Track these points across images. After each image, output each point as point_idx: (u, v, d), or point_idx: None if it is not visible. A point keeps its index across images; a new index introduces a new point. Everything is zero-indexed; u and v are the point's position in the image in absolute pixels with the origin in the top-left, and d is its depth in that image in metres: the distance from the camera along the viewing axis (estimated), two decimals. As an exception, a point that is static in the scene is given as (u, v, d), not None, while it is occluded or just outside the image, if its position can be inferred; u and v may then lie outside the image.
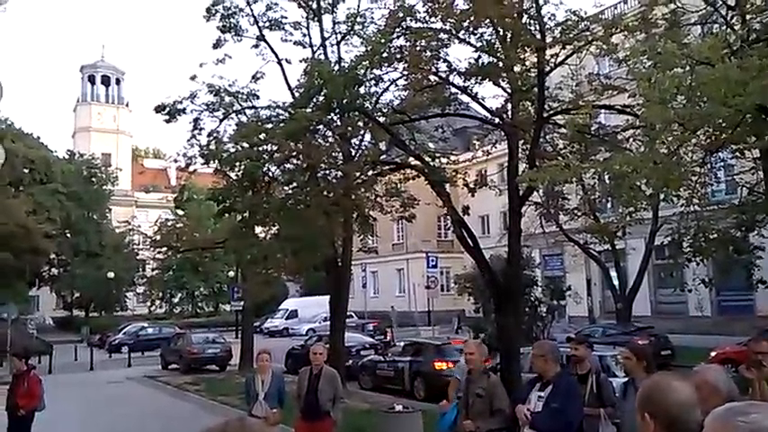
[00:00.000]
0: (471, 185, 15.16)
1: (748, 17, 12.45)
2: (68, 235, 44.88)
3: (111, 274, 42.35)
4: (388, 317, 38.93)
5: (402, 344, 17.61)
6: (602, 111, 14.20)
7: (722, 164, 16.06)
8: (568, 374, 5.67)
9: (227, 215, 16.49)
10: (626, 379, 5.70)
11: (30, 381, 8.43)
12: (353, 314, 34.43)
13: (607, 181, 13.26)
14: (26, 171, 40.50)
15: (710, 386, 3.64)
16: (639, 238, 22.56)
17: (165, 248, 29.02)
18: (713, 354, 15.21)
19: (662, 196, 11.64)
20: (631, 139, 12.17)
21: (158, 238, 30.45)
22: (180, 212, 42.46)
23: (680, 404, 1.95)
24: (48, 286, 47.73)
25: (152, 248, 29.61)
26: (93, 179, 48.32)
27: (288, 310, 41.94)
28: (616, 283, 24.02)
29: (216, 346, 23.01)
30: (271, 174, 15.92)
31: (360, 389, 16.26)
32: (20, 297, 35.16)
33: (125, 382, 19.71)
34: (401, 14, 12.50)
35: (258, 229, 16.65)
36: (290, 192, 15.17)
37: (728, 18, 12.93)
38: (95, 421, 12.93)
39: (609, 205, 20.01)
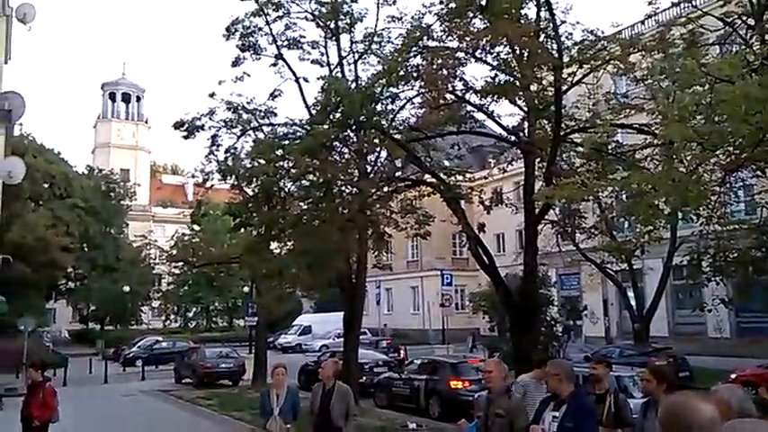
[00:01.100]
0: (487, 203, 15.16)
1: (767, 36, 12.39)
2: (86, 249, 45.35)
3: (126, 288, 42.67)
4: (400, 334, 38.79)
5: (418, 362, 17.44)
6: (620, 129, 14.15)
7: (742, 183, 15.90)
8: (583, 394, 5.59)
9: (242, 230, 16.59)
10: (645, 399, 5.61)
11: (45, 392, 8.46)
12: (367, 331, 34.34)
13: (625, 199, 13.17)
14: (46, 186, 41.05)
15: (723, 404, 3.61)
16: (657, 258, 22.30)
17: (180, 263, 29.25)
18: (733, 376, 14.93)
19: (681, 215, 11.53)
20: (649, 158, 12.11)
21: (174, 252, 30.71)
22: (196, 227, 42.75)
23: (701, 425, 1.92)
24: (64, 299, 48.17)
25: (168, 263, 29.89)
26: (112, 194, 48.90)
27: (302, 326, 41.88)
28: (633, 303, 23.71)
29: (229, 361, 23.01)
30: (287, 190, 16.03)
31: (375, 406, 16.14)
32: (37, 310, 35.42)
33: (138, 396, 19.75)
34: (418, 33, 12.61)
35: (273, 245, 16.71)
36: (306, 207, 15.24)
37: (747, 37, 12.88)
38: (110, 429, 12.97)
39: (626, 224, 19.82)
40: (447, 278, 30.61)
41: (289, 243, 15.82)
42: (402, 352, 26.29)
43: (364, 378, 17.66)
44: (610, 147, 13.41)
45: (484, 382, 6.15)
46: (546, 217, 14.45)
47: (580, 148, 13.24)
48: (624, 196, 12.93)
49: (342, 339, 18.64)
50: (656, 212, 9.62)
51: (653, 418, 5.13)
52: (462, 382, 14.51)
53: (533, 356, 10.00)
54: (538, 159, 13.10)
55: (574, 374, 5.37)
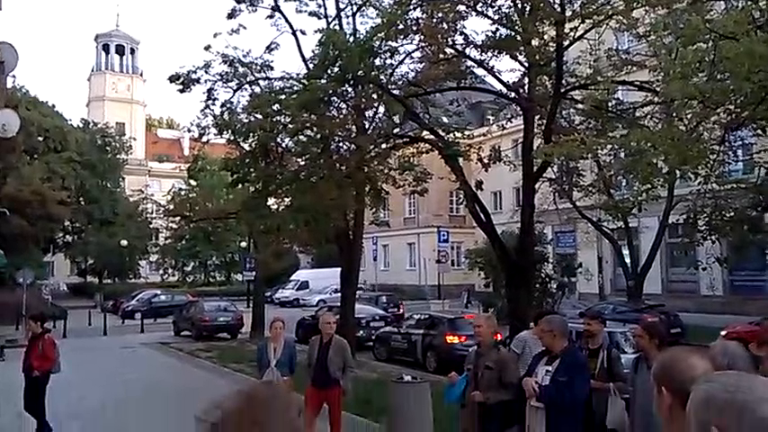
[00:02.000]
0: (485, 160, 15.09)
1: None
2: (82, 202, 45.37)
3: (124, 242, 42.85)
4: (398, 290, 39.18)
5: (416, 317, 17.79)
6: (621, 87, 14.00)
7: (741, 142, 15.84)
8: (576, 349, 5.69)
9: (239, 186, 16.53)
10: (636, 355, 5.72)
11: (45, 343, 8.58)
12: (363, 287, 34.68)
13: (623, 157, 13.13)
14: (41, 139, 40.75)
15: (720, 360, 3.70)
16: (653, 216, 22.38)
17: (177, 218, 29.25)
18: (723, 332, 15.15)
19: (679, 174, 11.52)
20: (649, 117, 12.02)
21: (171, 207, 30.67)
22: (193, 182, 42.67)
23: (695, 379, 1.95)
24: (62, 253, 48.42)
25: (165, 217, 29.83)
26: (108, 148, 48.62)
27: (299, 281, 42.27)
28: (628, 261, 23.92)
29: (228, 315, 23.28)
30: (284, 145, 15.90)
31: (375, 360, 16.47)
32: (35, 263, 35.62)
33: (138, 348, 20.03)
34: (418, -15, 12.31)
35: (271, 201, 16.69)
36: (303, 164, 15.17)
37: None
38: (110, 384, 13.19)
39: (624, 182, 19.81)
40: (443, 235, 30.79)
41: (286, 199, 15.79)
42: (402, 308, 26.61)
43: (362, 332, 17.94)
44: (610, 104, 13.28)
45: (474, 336, 6.26)
46: (544, 175, 14.42)
47: (580, 106, 13.12)
48: (623, 154, 12.89)
49: (339, 295, 18.80)
50: (654, 171, 9.61)
51: (644, 373, 5.23)
52: (458, 337, 14.83)
53: (530, 313, 10.18)
54: (537, 116, 12.98)
55: (567, 330, 5.44)
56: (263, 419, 1.18)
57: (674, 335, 17.29)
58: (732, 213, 16.08)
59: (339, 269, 17.80)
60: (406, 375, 8.93)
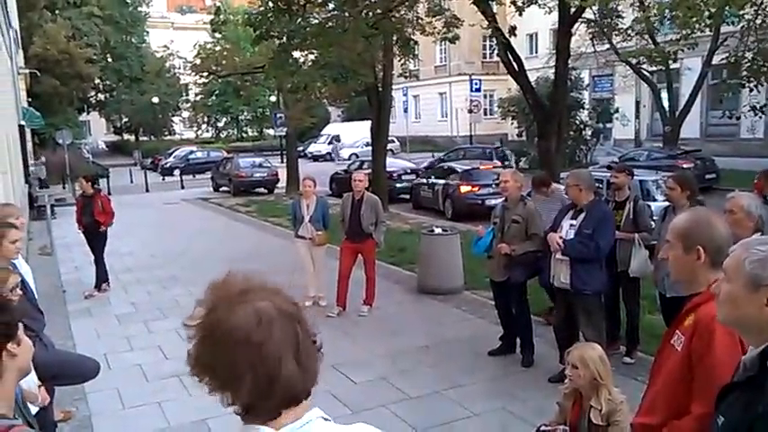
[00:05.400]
0: (519, 3, 14.23)
1: None
2: (110, 60, 45.01)
3: (155, 99, 42.97)
4: (430, 141, 39.08)
5: (438, 167, 18.22)
6: None
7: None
8: (602, 202, 5.78)
9: (264, 41, 16.09)
10: (666, 205, 5.77)
11: (102, 200, 9.28)
12: (395, 139, 34.63)
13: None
14: (59, -7, 39.66)
15: (744, 211, 3.77)
16: (696, 57, 21.25)
17: (205, 73, 28.87)
18: (756, 178, 14.99)
19: (724, 15, 10.76)
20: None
21: (198, 62, 30.13)
22: (217, 35, 41.52)
23: (723, 236, 2.10)
24: (96, 112, 49.01)
25: (193, 73, 29.44)
26: (128, 1, 47.14)
27: (330, 135, 42.36)
28: (666, 104, 23.19)
29: (263, 170, 23.77)
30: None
31: (413, 209, 17.17)
32: (71, 123, 36.27)
33: (181, 204, 20.85)
34: None
35: (297, 54, 16.30)
36: (328, 15, 14.56)
37: None
38: (158, 238, 13.97)
39: (666, 22, 18.64)
40: (476, 84, 30.07)
41: (312, 54, 15.40)
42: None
43: (396, 185, 18.40)
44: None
45: (501, 192, 6.37)
46: (582, 16, 13.63)
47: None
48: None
49: (370, 148, 18.91)
50: (696, 13, 8.97)
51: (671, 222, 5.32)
52: (472, 186, 15.35)
53: (560, 163, 10.10)
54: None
55: (594, 184, 5.49)
56: (247, 287, 1.20)
57: (708, 180, 17.19)
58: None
59: (370, 122, 17.74)
60: (436, 227, 9.25)
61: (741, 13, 9.84)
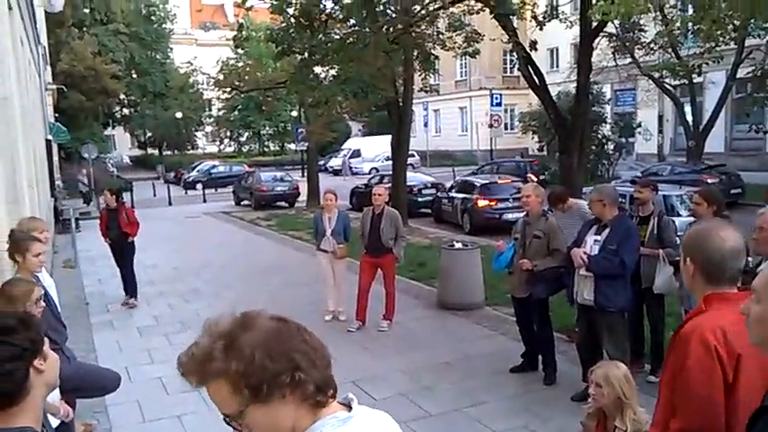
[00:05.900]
0: (540, 18, 14.23)
1: None
2: (134, 76, 45.83)
3: (178, 114, 43.61)
4: (450, 156, 39.03)
5: (458, 181, 18.27)
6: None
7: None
8: (626, 217, 5.68)
9: (286, 56, 16.30)
10: (692, 220, 5.68)
11: (128, 212, 9.48)
12: (415, 153, 34.65)
13: (690, 12, 12.15)
14: (87, 11, 40.56)
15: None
16: (721, 71, 21.01)
17: (228, 88, 29.27)
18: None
19: (749, 29, 10.63)
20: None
21: (221, 78, 30.56)
22: (240, 51, 42.09)
23: (721, 252, 2.00)
24: (121, 126, 49.85)
25: (216, 88, 29.85)
26: (153, 18, 48.07)
27: (351, 149, 42.53)
28: (690, 119, 22.91)
29: (284, 185, 23.92)
30: (327, 12, 15.34)
31: (433, 223, 17.23)
32: (97, 137, 36.90)
33: (202, 217, 21.03)
34: None
35: (318, 69, 16.45)
36: (349, 31, 14.69)
37: None
38: (181, 248, 14.09)
39: (690, 35, 18.48)
40: (496, 98, 30.04)
41: (333, 70, 15.52)
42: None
43: (415, 199, 18.42)
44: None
45: (522, 206, 6.31)
46: (604, 29, 13.58)
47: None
48: (690, 8, 11.91)
49: (391, 162, 18.93)
50: (720, 27, 8.87)
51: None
52: (489, 201, 15.34)
53: (582, 178, 9.99)
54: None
55: (618, 199, 5.41)
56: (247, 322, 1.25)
57: (733, 195, 16.92)
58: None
59: (390, 136, 17.78)
60: (456, 242, 9.20)
61: (766, 25, 9.69)
